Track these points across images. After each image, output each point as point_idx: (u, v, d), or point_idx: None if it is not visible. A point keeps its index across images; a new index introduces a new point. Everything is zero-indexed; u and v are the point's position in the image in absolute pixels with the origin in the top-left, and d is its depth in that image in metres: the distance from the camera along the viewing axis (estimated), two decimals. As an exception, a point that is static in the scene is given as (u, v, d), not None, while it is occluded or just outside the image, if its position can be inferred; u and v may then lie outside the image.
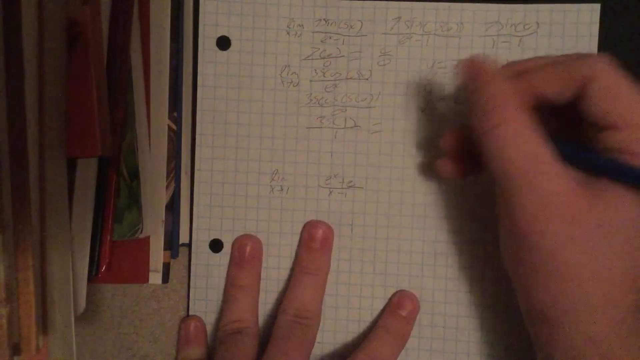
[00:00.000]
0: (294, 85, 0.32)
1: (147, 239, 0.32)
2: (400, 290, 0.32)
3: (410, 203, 0.32)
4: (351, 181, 0.32)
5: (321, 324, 0.32)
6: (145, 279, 0.32)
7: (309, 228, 0.32)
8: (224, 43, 0.32)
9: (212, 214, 0.33)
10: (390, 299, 0.32)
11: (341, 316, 0.33)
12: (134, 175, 0.30)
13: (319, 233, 0.32)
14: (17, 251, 0.24)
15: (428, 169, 0.32)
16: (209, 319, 0.33)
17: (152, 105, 0.31)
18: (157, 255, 0.32)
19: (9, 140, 0.24)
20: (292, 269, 0.33)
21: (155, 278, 0.32)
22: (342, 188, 0.32)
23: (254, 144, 0.33)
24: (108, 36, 0.29)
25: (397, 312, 0.32)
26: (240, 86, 0.32)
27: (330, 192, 0.32)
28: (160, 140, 0.31)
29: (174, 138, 0.32)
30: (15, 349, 0.24)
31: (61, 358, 0.27)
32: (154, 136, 0.31)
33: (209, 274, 0.33)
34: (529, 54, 0.31)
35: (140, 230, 0.30)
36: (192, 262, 0.33)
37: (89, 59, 0.26)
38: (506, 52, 0.31)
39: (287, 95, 0.32)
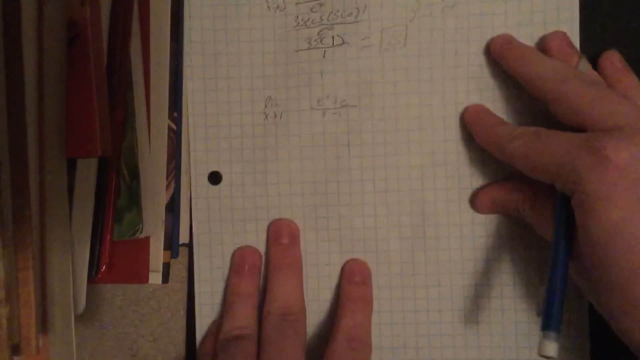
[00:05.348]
0: (280, 10, 0.32)
1: (147, 239, 0.32)
2: (348, 260, 0.32)
3: (405, 118, 0.32)
4: (344, 100, 0.32)
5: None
6: (145, 279, 0.32)
7: (273, 227, 0.32)
8: None
9: (209, 147, 0.33)
10: (341, 270, 0.33)
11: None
12: (134, 175, 0.30)
13: (285, 229, 0.32)
14: (17, 251, 0.24)
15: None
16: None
17: (152, 105, 0.31)
18: (157, 255, 0.32)
19: (9, 140, 0.24)
20: (266, 270, 0.32)
21: (155, 278, 0.32)
22: (335, 108, 0.32)
23: (245, 73, 0.32)
24: (108, 36, 0.29)
25: (353, 279, 0.32)
26: (227, 15, 0.32)
27: (324, 113, 0.32)
28: (160, 140, 0.31)
29: (174, 138, 0.32)
30: (15, 349, 0.24)
31: (61, 358, 0.27)
32: (154, 136, 0.31)
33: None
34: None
35: (140, 230, 0.30)
36: (192, 194, 0.33)
37: (89, 59, 0.26)
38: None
39: (274, 20, 0.32)
